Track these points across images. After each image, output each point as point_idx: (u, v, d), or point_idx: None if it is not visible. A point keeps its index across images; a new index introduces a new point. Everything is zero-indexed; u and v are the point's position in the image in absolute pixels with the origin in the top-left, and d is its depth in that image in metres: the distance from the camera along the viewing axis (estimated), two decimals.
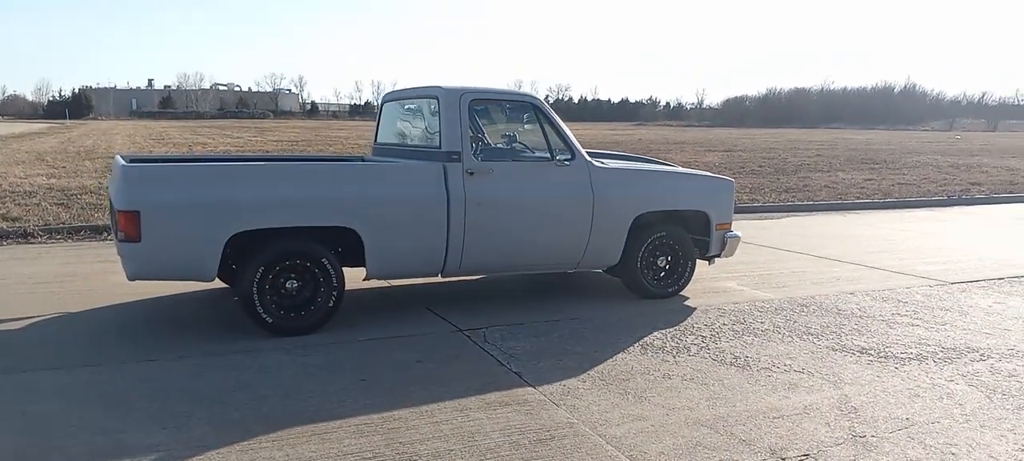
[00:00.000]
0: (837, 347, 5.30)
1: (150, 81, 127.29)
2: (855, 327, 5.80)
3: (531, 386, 4.47)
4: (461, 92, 5.87)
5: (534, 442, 3.74)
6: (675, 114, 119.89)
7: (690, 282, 6.72)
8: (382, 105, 7.19)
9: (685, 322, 5.87)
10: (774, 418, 4.09)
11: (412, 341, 5.29)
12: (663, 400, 4.31)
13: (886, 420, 4.09)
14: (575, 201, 6.08)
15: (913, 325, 5.87)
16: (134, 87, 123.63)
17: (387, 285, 6.79)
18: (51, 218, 10.30)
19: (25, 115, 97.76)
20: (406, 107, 6.89)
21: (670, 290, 6.60)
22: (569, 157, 6.08)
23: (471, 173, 5.75)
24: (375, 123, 7.31)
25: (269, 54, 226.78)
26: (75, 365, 4.65)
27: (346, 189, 5.42)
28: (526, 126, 6.42)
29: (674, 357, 5.04)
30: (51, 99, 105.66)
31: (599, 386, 4.49)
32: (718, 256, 6.78)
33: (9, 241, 9.07)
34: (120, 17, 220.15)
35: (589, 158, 6.22)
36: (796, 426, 3.99)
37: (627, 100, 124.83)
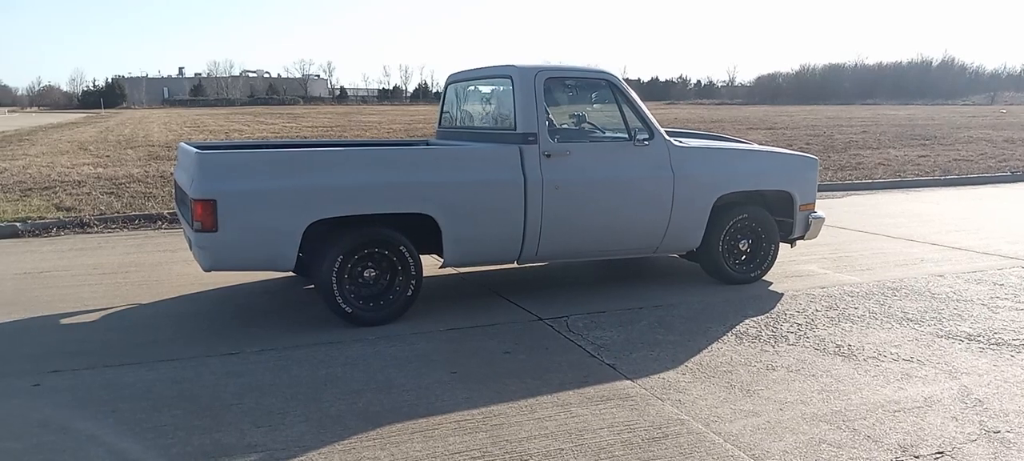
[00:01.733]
0: (941, 334, 5.03)
1: (181, 69, 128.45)
2: (955, 311, 5.51)
3: (628, 379, 4.25)
4: (536, 70, 5.64)
5: (647, 440, 3.53)
6: (706, 92, 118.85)
7: (772, 266, 6.45)
8: (446, 86, 6.97)
9: (775, 309, 5.61)
10: (895, 412, 3.84)
11: (495, 331, 5.10)
12: (772, 394, 4.07)
13: (1017, 414, 3.82)
14: (655, 182, 5.83)
15: (1017, 309, 5.57)
16: (165, 75, 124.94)
17: (455, 273, 6.60)
18: (104, 207, 10.26)
19: (61, 105, 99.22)
20: (474, 88, 6.67)
21: (752, 275, 6.34)
22: (648, 136, 5.83)
23: (548, 155, 5.53)
24: (439, 105, 7.10)
25: (298, 40, 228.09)
26: (156, 360, 4.51)
27: (423, 174, 5.23)
28: (597, 105, 6.18)
29: (773, 346, 4.80)
30: (86, 89, 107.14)
31: (701, 379, 4.27)
32: (801, 238, 6.50)
33: (66, 231, 9.03)
34: (152, 6, 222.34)
35: (668, 137, 5.96)
36: (921, 421, 3.74)
37: (657, 79, 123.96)
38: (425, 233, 5.33)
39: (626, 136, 5.81)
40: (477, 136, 6.19)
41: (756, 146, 6.82)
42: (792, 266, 6.90)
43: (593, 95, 6.16)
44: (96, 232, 9.03)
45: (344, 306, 5.06)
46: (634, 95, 5.89)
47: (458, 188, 5.29)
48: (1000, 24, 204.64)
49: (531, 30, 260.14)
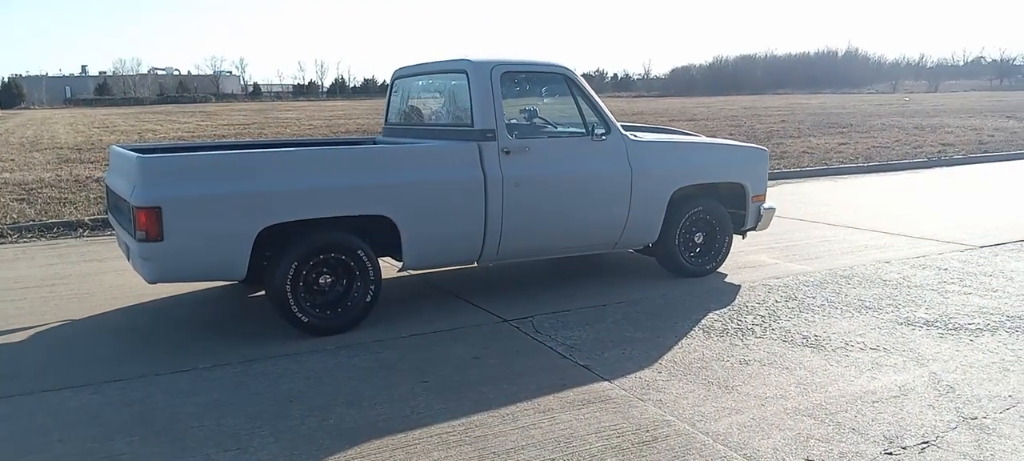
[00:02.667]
0: (901, 321, 5.10)
1: (84, 68, 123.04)
2: (909, 298, 5.61)
3: (606, 380, 4.15)
4: (492, 65, 5.47)
5: (637, 444, 3.43)
6: (623, 85, 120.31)
7: (727, 258, 6.46)
8: (393, 81, 6.73)
9: (736, 301, 5.61)
10: (874, 403, 3.85)
11: (460, 335, 4.93)
12: (751, 389, 4.03)
13: (989, 399, 3.88)
14: (614, 177, 5.75)
15: (966, 293, 5.71)
16: (67, 74, 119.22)
17: (409, 275, 6.38)
18: (16, 215, 9.62)
19: None
20: (423, 83, 6.46)
21: (708, 267, 6.34)
22: (605, 131, 5.74)
23: (507, 152, 5.38)
24: (385, 100, 6.85)
25: (208, 36, 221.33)
26: (100, 381, 4.18)
27: (379, 175, 5.00)
28: (552, 99, 6.06)
29: (742, 340, 4.77)
30: None
31: (677, 377, 4.20)
32: (753, 229, 6.53)
33: None
34: (51, 2, 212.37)
35: (623, 131, 5.89)
36: (900, 410, 3.75)
37: None
38: (382, 235, 5.11)
39: (583, 131, 5.70)
40: (429, 133, 5.99)
41: (708, 139, 6.83)
42: (743, 257, 6.94)
43: (549, 89, 6.04)
44: (11, 242, 8.43)
45: (300, 315, 4.80)
46: (590, 89, 5.80)
47: (416, 188, 5.09)
48: (898, 15, 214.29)
49: (436, 23, 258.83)
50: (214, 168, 4.67)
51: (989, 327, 4.94)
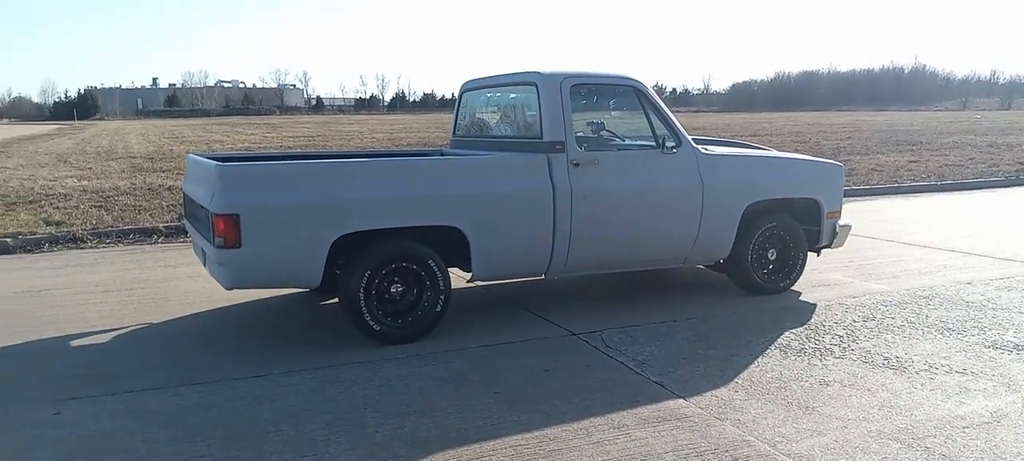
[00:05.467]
0: (987, 344, 4.90)
1: (155, 80, 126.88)
2: (995, 320, 5.39)
3: (681, 398, 4.07)
4: (561, 77, 5.46)
5: None
6: (682, 100, 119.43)
7: (801, 276, 6.31)
8: (461, 94, 6.77)
9: (812, 320, 5.47)
10: (964, 428, 3.70)
11: (529, 347, 4.90)
12: (833, 411, 3.91)
13: None
14: (684, 191, 5.67)
15: None
16: (139, 86, 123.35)
17: (475, 286, 6.37)
18: (95, 221, 9.94)
19: (31, 117, 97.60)
20: (492, 95, 6.47)
21: (781, 284, 6.19)
22: (676, 144, 5.67)
23: (576, 164, 5.35)
24: (454, 113, 6.89)
25: (273, 50, 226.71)
26: (179, 384, 4.27)
27: (451, 185, 5.02)
28: (622, 112, 6.01)
29: (821, 360, 4.64)
30: (57, 100, 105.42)
31: (755, 396, 4.10)
32: (828, 246, 6.37)
33: (59, 246, 8.70)
34: (124, 17, 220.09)
35: (694, 144, 5.81)
36: (993, 437, 3.59)
37: None
38: (452, 246, 5.13)
39: (654, 144, 5.64)
40: (497, 145, 6.00)
41: (782, 153, 6.69)
42: (816, 275, 6.76)
43: (618, 102, 6.01)
44: (90, 247, 8.71)
45: (372, 323, 4.84)
46: (660, 102, 5.74)
47: (485, 199, 5.09)
48: (968, 31, 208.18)
49: (503, 38, 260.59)
50: (292, 177, 4.74)
51: None
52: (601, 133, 5.74)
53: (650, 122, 5.68)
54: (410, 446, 3.49)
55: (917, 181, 14.07)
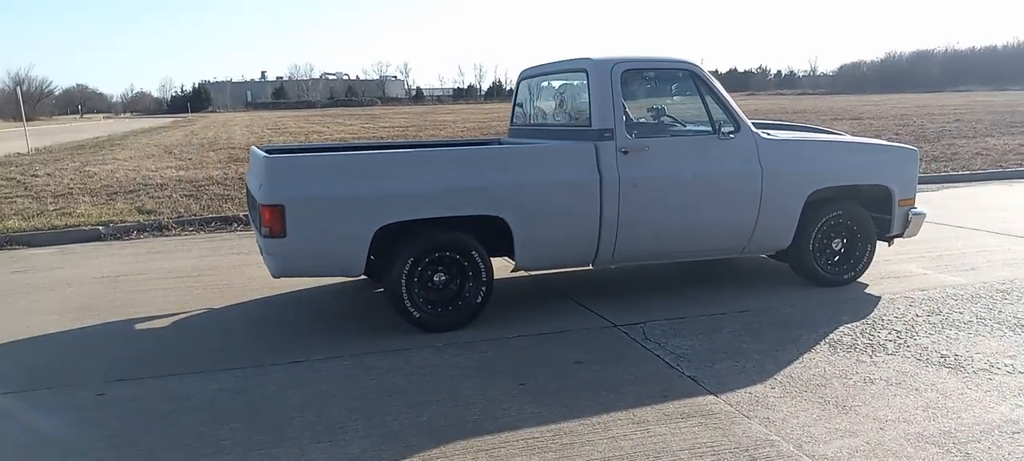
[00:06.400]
0: None
1: (263, 74, 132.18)
2: None
3: (712, 394, 3.95)
4: (612, 63, 5.35)
5: None
6: (787, 82, 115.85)
7: (869, 267, 6.02)
8: (519, 83, 6.74)
9: (872, 314, 5.20)
10: (1013, 434, 3.44)
11: (566, 338, 4.85)
12: (871, 410, 3.71)
13: None
14: (742, 178, 5.48)
15: None
16: (248, 80, 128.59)
17: (525, 275, 6.36)
18: (182, 210, 10.42)
19: (151, 111, 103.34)
20: (547, 83, 6.42)
21: (847, 276, 5.91)
22: (733, 129, 5.48)
23: (625, 152, 5.24)
24: (511, 102, 6.88)
25: (375, 43, 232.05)
26: (221, 368, 4.42)
27: (493, 175, 5.02)
28: (678, 97, 5.87)
29: (871, 357, 4.41)
30: (174, 94, 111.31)
31: (792, 394, 3.93)
32: (900, 236, 6.04)
33: (146, 234, 9.17)
34: (235, 12, 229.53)
35: (754, 129, 5.60)
36: None
37: (735, 70, 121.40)
38: (496, 235, 5.13)
39: (709, 129, 5.48)
40: (551, 133, 5.96)
41: (849, 137, 6.37)
42: (887, 266, 6.43)
43: (674, 87, 5.88)
44: (174, 235, 9.14)
45: (413, 311, 4.90)
46: (718, 85, 5.55)
47: (530, 189, 5.06)
48: None
49: (606, 24, 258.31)
50: (335, 169, 4.85)
51: None
52: (662, 119, 5.62)
53: (706, 107, 5.51)
54: (425, 434, 3.52)
55: (1022, 166, 13.17)
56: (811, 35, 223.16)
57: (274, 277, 4.90)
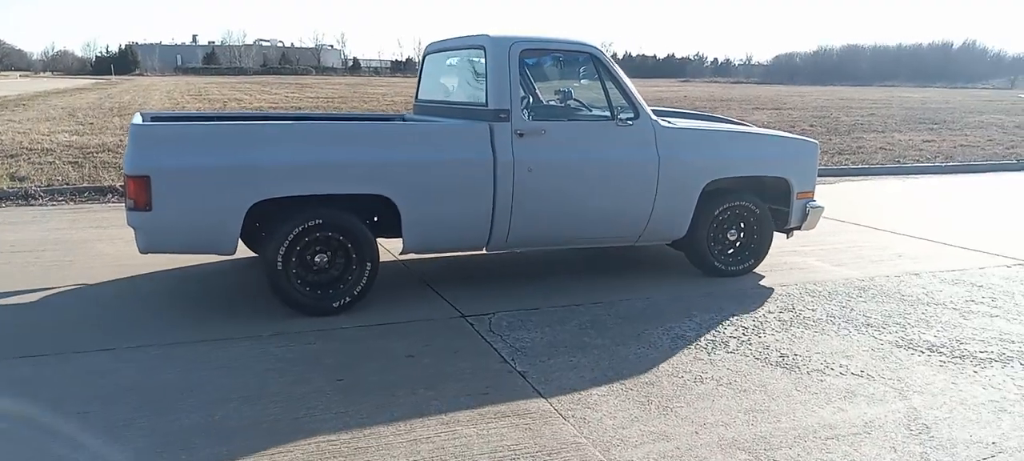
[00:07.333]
0: (902, 343, 4.52)
1: (194, 37, 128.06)
2: (922, 317, 5.00)
3: (536, 390, 3.78)
4: (511, 41, 5.16)
5: None
6: (723, 70, 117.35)
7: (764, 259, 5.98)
8: (424, 57, 6.47)
9: (724, 308, 5.11)
10: (826, 439, 3.36)
11: (406, 329, 4.63)
12: (692, 412, 3.60)
13: (966, 444, 3.33)
14: (638, 165, 5.36)
15: (992, 315, 5.05)
16: (179, 43, 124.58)
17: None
18: (61, 177, 9.86)
19: (74, 71, 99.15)
20: (450, 59, 6.18)
21: (742, 267, 5.87)
22: (632, 115, 5.34)
23: (521, 134, 5.06)
24: (417, 77, 6.62)
25: (312, 10, 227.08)
26: (22, 355, 4.08)
27: (379, 152, 4.79)
28: (577, 81, 5.70)
29: (709, 354, 4.31)
30: (99, 55, 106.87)
31: (617, 392, 3.79)
32: (798, 228, 6.01)
33: (9, 202, 8.62)
34: None
35: (654, 117, 5.47)
36: (854, 451, 3.26)
37: (673, 56, 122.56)
38: (385, 216, 4.94)
39: (608, 115, 5.33)
40: (452, 111, 5.76)
41: (752, 128, 6.28)
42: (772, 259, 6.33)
43: (574, 70, 5.76)
44: (40, 204, 8.62)
45: (291, 292, 4.71)
46: (619, 71, 5.40)
47: (419, 168, 4.85)
48: (1022, 8, 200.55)
49: (547, 5, 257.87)
50: (205, 139, 4.58)
51: (1003, 357, 4.31)
52: (568, 102, 5.47)
53: (606, 91, 5.38)
54: (209, 436, 3.25)
55: (921, 162, 13.45)
56: (749, 25, 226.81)
57: (141, 252, 4.63)
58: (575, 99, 5.49)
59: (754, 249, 5.91)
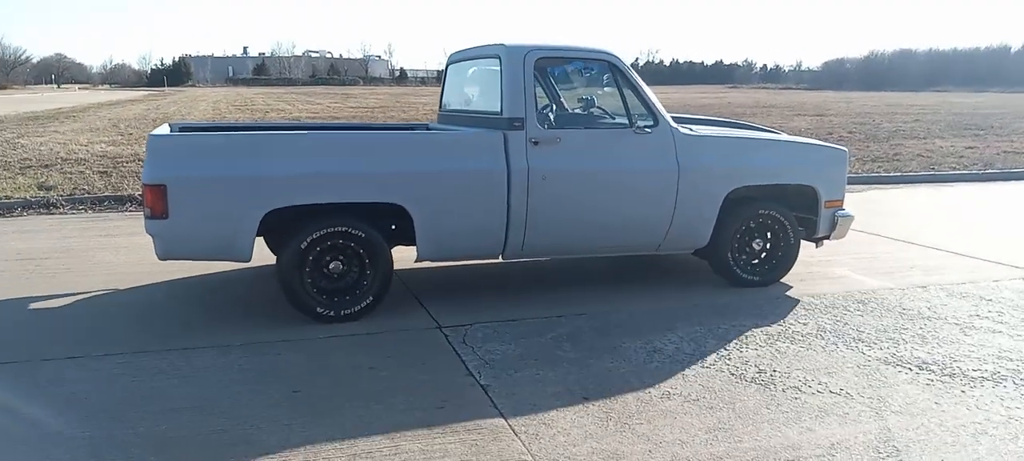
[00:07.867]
0: (890, 360, 4.31)
1: (245, 49, 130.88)
2: (919, 332, 4.77)
3: (494, 405, 3.68)
4: (526, 50, 5.13)
5: None
6: (771, 77, 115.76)
7: (794, 268, 5.85)
8: (447, 67, 6.49)
9: (709, 322, 4.93)
10: None
11: (377, 340, 4.56)
12: (651, 430, 3.46)
13: None
14: (657, 174, 5.27)
15: (994, 331, 4.79)
16: (230, 55, 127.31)
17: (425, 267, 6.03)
18: (87, 186, 10.07)
19: (130, 83, 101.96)
20: (470, 69, 6.17)
21: (768, 278, 5.74)
22: (651, 123, 5.26)
23: (536, 142, 5.02)
24: (440, 87, 6.61)
25: (360, 21, 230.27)
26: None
27: (392, 162, 4.81)
28: (596, 89, 5.63)
29: (683, 369, 4.16)
30: (154, 68, 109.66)
31: (577, 408, 3.67)
32: (826, 238, 5.84)
33: (31, 211, 8.81)
34: None
35: (674, 124, 5.36)
36: None
37: (721, 62, 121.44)
38: (401, 224, 4.96)
39: (626, 122, 5.25)
40: (468, 120, 5.76)
41: (781, 136, 6.10)
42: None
43: (592, 78, 5.69)
44: (61, 213, 8.80)
45: (305, 300, 4.75)
46: (637, 78, 5.33)
47: (434, 178, 4.86)
48: None
49: (592, 12, 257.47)
50: (220, 149, 4.69)
51: (996, 376, 4.08)
52: (591, 110, 5.43)
53: (624, 99, 5.30)
54: (147, 447, 3.22)
55: (958, 168, 12.99)
56: (799, 31, 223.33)
57: (159, 259, 4.71)
58: (593, 107, 5.43)
59: (781, 259, 5.76)
